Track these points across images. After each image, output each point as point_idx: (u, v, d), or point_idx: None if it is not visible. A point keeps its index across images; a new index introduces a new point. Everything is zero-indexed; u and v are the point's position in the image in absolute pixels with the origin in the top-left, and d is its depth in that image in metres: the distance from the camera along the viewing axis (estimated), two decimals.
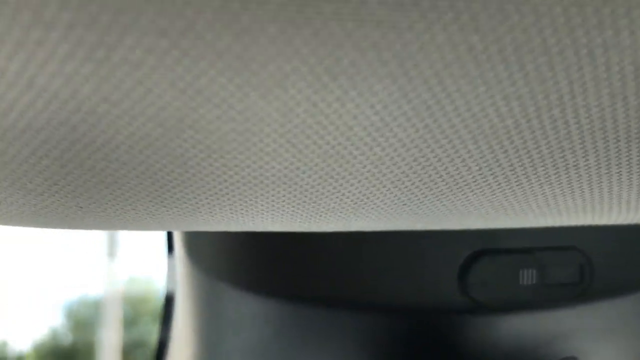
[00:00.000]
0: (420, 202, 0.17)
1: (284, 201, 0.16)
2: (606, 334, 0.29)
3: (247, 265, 0.27)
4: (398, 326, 0.26)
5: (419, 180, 0.16)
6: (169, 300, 0.40)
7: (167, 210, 0.17)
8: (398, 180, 0.16)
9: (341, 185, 0.16)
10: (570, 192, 0.17)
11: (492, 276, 0.25)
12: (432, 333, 0.26)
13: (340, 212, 0.18)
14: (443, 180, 0.16)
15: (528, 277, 0.25)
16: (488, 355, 0.27)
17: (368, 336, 0.26)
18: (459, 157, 0.14)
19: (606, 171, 0.16)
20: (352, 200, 0.17)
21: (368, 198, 0.17)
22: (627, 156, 0.15)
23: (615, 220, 0.21)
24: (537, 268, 0.25)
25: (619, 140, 0.14)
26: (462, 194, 0.17)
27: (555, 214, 0.19)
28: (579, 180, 0.16)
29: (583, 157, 0.15)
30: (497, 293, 0.25)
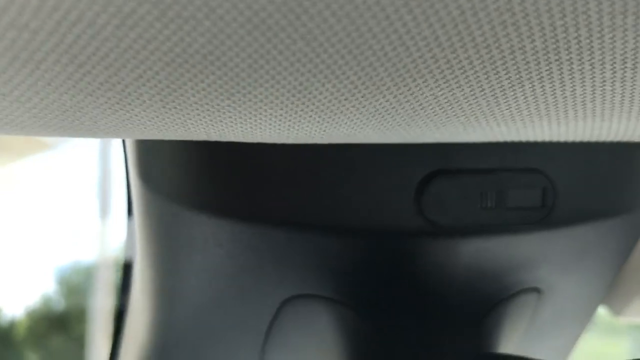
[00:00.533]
0: (363, 97, 0.16)
1: (216, 90, 0.16)
2: (568, 264, 0.28)
3: (198, 186, 0.26)
4: (354, 248, 0.25)
5: (356, 65, 0.15)
6: (127, 268, 0.39)
7: (95, 101, 0.16)
8: (334, 64, 0.15)
9: (274, 69, 0.15)
10: (511, 87, 0.16)
11: (449, 197, 0.24)
12: (388, 255, 0.26)
13: (281, 109, 0.17)
14: (382, 65, 0.15)
15: (487, 199, 0.25)
16: (447, 280, 0.26)
17: (323, 258, 0.26)
18: (391, 27, 0.13)
19: (544, 56, 0.15)
20: (290, 92, 0.16)
21: (307, 89, 0.16)
22: (551, 30, 0.14)
23: (573, 133, 0.20)
24: (498, 190, 0.25)
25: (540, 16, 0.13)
26: (405, 86, 0.16)
27: (508, 119, 0.18)
28: (515, 66, 0.15)
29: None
30: (454, 215, 0.24)
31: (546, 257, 0.27)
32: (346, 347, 0.27)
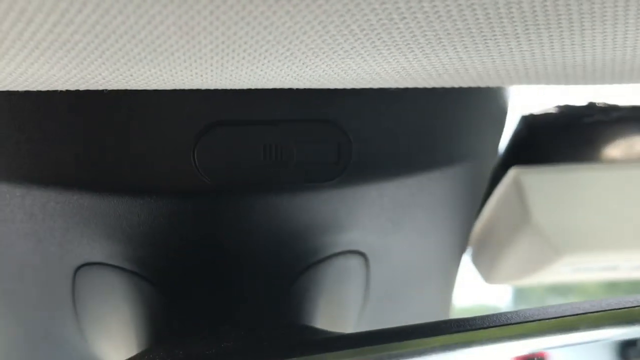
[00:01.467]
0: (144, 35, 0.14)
1: None
2: (386, 224, 0.26)
3: None
4: (134, 211, 0.23)
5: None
6: None
7: None
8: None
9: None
10: (287, 21, 0.14)
11: (228, 152, 0.22)
12: (173, 218, 0.23)
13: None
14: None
15: (273, 153, 0.22)
16: (244, 243, 0.24)
17: (102, 223, 0.23)
18: None
19: None
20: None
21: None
22: None
23: (358, 72, 0.18)
24: (284, 144, 0.22)
25: None
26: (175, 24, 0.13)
27: (289, 57, 0.16)
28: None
29: None
30: (234, 171, 0.22)
31: (355, 217, 0.25)
32: (144, 319, 0.25)
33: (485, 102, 0.26)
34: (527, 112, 0.32)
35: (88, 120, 0.22)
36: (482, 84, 0.20)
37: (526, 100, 0.32)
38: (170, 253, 0.24)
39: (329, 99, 0.23)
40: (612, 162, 0.31)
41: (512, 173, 0.30)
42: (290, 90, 0.20)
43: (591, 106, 0.32)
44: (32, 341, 0.31)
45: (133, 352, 0.26)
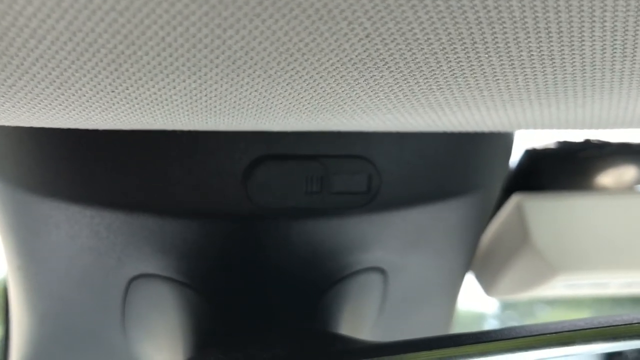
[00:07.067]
0: (193, 90, 0.16)
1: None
2: (406, 245, 0.29)
3: (32, 169, 0.27)
4: (187, 230, 0.26)
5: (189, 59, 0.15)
6: None
7: None
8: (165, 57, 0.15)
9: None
10: (332, 82, 0.16)
11: (274, 182, 0.25)
12: (221, 237, 0.27)
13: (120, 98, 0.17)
14: (211, 61, 0.15)
15: (313, 184, 0.26)
16: (281, 260, 0.28)
17: (159, 240, 0.27)
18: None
19: (375, 53, 0.15)
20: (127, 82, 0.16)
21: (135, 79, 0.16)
22: None
23: (398, 124, 0.21)
24: (322, 176, 0.26)
25: None
26: (229, 78, 0.16)
27: (332, 110, 0.19)
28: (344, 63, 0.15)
29: None
30: (279, 199, 0.26)
31: (380, 239, 0.28)
32: (189, 326, 0.28)
33: (494, 139, 0.30)
34: (529, 146, 0.36)
35: (155, 153, 0.25)
36: (495, 130, 0.24)
37: (529, 136, 0.36)
38: (217, 267, 0.28)
39: (361, 137, 0.26)
40: (604, 190, 0.35)
41: (515, 198, 0.34)
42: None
43: (586, 142, 0.35)
44: (76, 342, 0.34)
45: (175, 357, 0.29)
